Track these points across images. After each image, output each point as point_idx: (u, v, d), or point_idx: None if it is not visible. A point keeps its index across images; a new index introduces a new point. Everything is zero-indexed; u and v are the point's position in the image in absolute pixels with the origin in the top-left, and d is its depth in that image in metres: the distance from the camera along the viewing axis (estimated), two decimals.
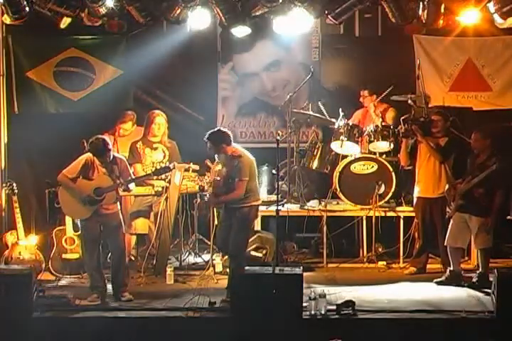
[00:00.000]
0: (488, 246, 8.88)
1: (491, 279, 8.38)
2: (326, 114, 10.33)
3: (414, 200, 9.66)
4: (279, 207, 9.17)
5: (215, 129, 8.59)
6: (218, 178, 8.56)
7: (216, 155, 8.59)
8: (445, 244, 9.09)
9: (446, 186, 9.14)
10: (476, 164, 8.94)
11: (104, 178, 8.39)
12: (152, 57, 10.71)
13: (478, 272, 8.96)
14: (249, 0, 9.21)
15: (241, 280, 7.89)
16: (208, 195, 8.75)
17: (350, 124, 10.12)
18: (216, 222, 9.39)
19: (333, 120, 10.19)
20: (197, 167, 9.59)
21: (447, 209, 9.09)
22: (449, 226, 9.04)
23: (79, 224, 8.86)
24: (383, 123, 10.05)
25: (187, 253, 10.03)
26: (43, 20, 9.48)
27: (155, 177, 9.04)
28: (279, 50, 11.26)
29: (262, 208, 10.03)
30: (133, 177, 8.66)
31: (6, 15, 9.07)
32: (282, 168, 10.14)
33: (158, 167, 9.33)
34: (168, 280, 9.10)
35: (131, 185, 8.59)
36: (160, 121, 9.62)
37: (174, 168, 8.95)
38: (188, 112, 11.27)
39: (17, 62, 10.53)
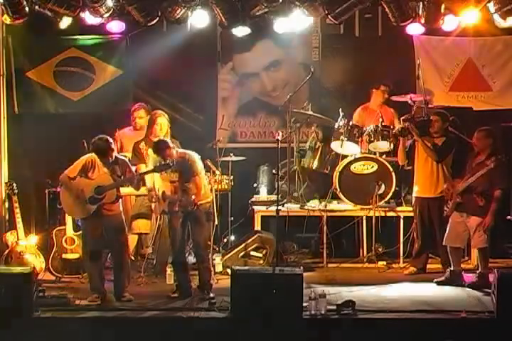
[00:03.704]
0: (486, 246, 8.87)
1: (490, 279, 8.39)
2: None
3: (413, 200, 9.67)
4: (279, 207, 9.18)
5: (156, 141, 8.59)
6: (175, 184, 8.52)
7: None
8: (444, 243, 9.09)
9: (444, 185, 9.14)
10: (475, 163, 8.95)
11: (105, 177, 8.40)
12: (152, 57, 10.72)
13: (478, 272, 8.96)
14: (249, 0, 9.20)
15: (241, 280, 7.88)
16: (180, 201, 8.55)
17: (350, 124, 10.12)
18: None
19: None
20: None
21: (445, 208, 9.09)
22: (448, 225, 9.04)
23: (80, 224, 8.86)
24: (383, 123, 10.05)
25: (187, 253, 10.02)
26: (43, 20, 9.48)
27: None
28: (279, 50, 11.25)
29: (262, 208, 10.10)
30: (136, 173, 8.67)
31: (6, 15, 9.06)
32: (282, 168, 10.13)
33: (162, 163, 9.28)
34: (168, 280, 9.10)
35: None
36: (162, 121, 9.60)
37: (173, 165, 8.92)
38: (188, 112, 11.27)
39: (17, 62, 10.54)
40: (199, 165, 8.61)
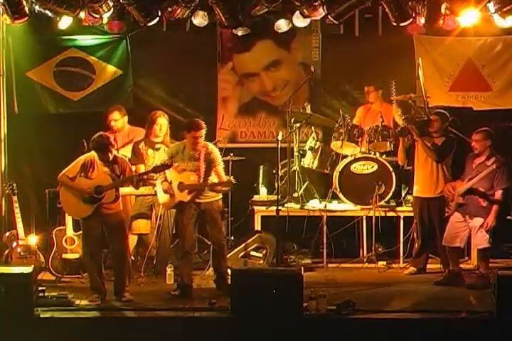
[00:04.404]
0: (487, 247, 8.88)
1: (490, 279, 8.39)
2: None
3: (413, 200, 9.67)
4: (279, 207, 9.18)
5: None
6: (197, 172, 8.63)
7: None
8: (443, 243, 9.10)
9: (444, 186, 9.14)
10: (475, 164, 8.95)
11: (104, 177, 8.39)
12: (152, 57, 10.72)
13: (478, 272, 8.96)
14: (249, 0, 9.20)
15: (241, 280, 7.88)
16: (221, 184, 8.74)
17: (350, 124, 10.12)
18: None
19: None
20: None
21: (446, 209, 9.09)
22: (447, 225, 9.05)
23: (80, 223, 8.86)
24: (383, 123, 10.05)
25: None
26: (43, 20, 9.48)
27: (155, 175, 9.00)
28: (279, 50, 11.25)
29: (262, 208, 10.10)
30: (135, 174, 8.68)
31: (6, 15, 9.06)
32: (282, 168, 10.13)
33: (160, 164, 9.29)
34: (168, 280, 9.10)
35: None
36: (162, 121, 9.60)
37: (172, 165, 8.92)
38: (188, 112, 11.26)
39: (17, 62, 10.54)
40: (220, 155, 8.81)
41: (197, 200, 8.68)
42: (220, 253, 8.82)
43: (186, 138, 8.76)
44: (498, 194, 8.82)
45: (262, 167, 10.57)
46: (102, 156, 8.39)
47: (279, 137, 9.58)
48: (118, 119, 9.93)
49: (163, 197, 8.89)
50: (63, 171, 8.46)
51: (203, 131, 8.69)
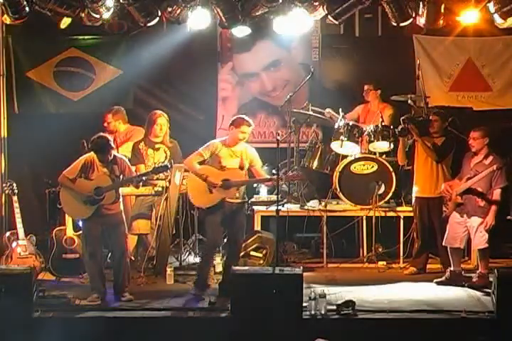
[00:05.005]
0: (487, 246, 8.88)
1: (490, 279, 8.39)
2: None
3: (413, 200, 9.67)
4: (279, 207, 9.17)
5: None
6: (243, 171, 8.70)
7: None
8: (443, 244, 9.10)
9: (443, 185, 9.14)
10: (472, 163, 8.95)
11: (104, 178, 8.40)
12: (152, 57, 10.73)
13: (478, 272, 8.97)
14: (249, 0, 9.20)
15: (241, 280, 7.88)
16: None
17: (350, 124, 10.12)
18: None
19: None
20: None
21: (444, 209, 9.09)
22: (447, 226, 9.05)
23: (80, 224, 8.87)
24: (383, 123, 10.05)
25: (187, 253, 10.03)
26: (43, 20, 9.47)
27: (155, 176, 9.01)
28: (279, 50, 11.25)
29: (262, 208, 10.09)
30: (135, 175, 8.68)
31: (6, 16, 9.06)
32: (282, 168, 10.13)
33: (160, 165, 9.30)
34: (168, 280, 9.11)
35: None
36: (162, 121, 9.61)
37: (172, 166, 8.94)
38: (188, 112, 11.27)
39: (17, 62, 10.55)
40: (257, 154, 8.86)
41: (231, 200, 8.66)
42: (236, 252, 8.82)
43: (230, 134, 8.75)
44: (497, 193, 8.82)
45: (262, 167, 10.55)
46: (101, 157, 8.39)
47: (279, 137, 9.56)
48: (110, 122, 9.96)
49: (200, 196, 8.71)
50: (63, 172, 8.47)
51: (251, 129, 8.73)
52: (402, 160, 9.77)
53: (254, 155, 8.81)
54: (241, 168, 8.70)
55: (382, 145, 10.04)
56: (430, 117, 9.57)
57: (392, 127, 10.02)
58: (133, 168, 8.87)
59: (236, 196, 8.64)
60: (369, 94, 10.56)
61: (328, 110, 10.49)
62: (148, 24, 9.24)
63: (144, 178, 8.58)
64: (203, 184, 8.58)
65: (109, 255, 8.95)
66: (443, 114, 9.57)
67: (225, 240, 9.02)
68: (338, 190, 10.05)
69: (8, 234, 9.49)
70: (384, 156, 10.15)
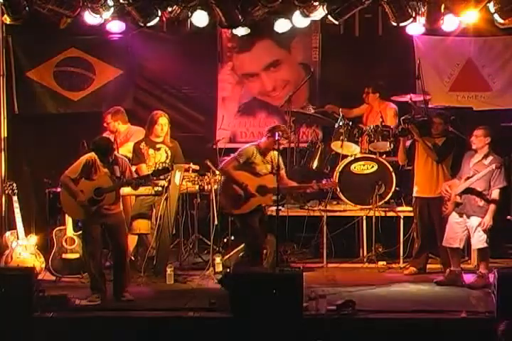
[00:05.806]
0: (486, 246, 8.87)
1: (490, 279, 8.39)
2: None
3: (413, 200, 9.67)
4: (279, 207, 9.17)
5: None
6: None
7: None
8: (443, 244, 9.09)
9: (442, 185, 9.14)
10: (472, 163, 8.95)
11: (105, 179, 8.39)
12: (152, 57, 10.72)
13: (477, 272, 8.97)
14: (249, 0, 9.20)
15: (241, 280, 7.88)
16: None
17: (350, 124, 10.13)
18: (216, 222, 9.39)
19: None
20: (197, 167, 9.62)
21: (443, 209, 9.08)
22: (446, 226, 9.04)
23: (80, 224, 8.87)
24: (383, 123, 10.06)
25: (187, 253, 10.03)
26: (43, 20, 9.48)
27: (154, 178, 9.02)
28: (279, 50, 11.25)
29: None
30: (134, 177, 8.67)
31: (5, 15, 9.07)
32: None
33: (160, 168, 9.31)
34: (168, 280, 9.10)
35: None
36: (163, 121, 9.62)
37: (173, 169, 8.95)
38: (188, 112, 11.27)
39: (17, 62, 10.55)
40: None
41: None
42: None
43: (267, 142, 9.02)
44: (495, 193, 8.82)
45: None
46: (102, 158, 8.40)
47: (279, 137, 9.54)
48: (110, 122, 9.96)
49: (236, 204, 9.04)
50: (65, 172, 8.46)
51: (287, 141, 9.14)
52: (403, 161, 9.77)
53: (281, 160, 8.97)
54: (273, 173, 8.96)
55: (382, 145, 10.04)
56: (433, 119, 9.53)
57: (392, 127, 10.04)
58: (134, 168, 8.88)
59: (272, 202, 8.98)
60: (368, 97, 10.58)
61: (329, 106, 10.52)
62: (148, 24, 9.24)
63: (143, 181, 8.59)
64: (238, 191, 8.93)
65: (109, 255, 8.95)
66: (445, 115, 9.55)
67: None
68: (338, 190, 10.04)
69: (8, 234, 9.49)
70: (384, 156, 10.15)
